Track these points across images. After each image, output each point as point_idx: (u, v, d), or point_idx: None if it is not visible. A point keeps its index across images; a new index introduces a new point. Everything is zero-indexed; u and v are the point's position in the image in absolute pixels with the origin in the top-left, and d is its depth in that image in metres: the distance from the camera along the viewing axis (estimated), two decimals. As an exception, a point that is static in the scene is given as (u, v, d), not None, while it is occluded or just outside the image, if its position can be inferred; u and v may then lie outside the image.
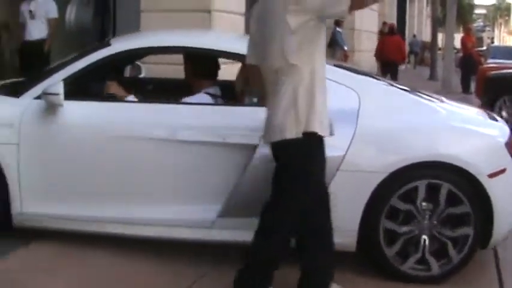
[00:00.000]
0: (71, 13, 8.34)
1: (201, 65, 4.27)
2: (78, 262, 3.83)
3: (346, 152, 3.54)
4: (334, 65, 4.03)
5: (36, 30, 8.21)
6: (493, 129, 3.98)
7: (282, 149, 3.06)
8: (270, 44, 3.01)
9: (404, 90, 4.07)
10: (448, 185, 3.57)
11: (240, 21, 8.38)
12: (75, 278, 3.64)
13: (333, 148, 3.30)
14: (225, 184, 3.69)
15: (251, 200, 3.54)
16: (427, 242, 3.64)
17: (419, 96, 4.03)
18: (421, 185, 3.57)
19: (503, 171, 3.69)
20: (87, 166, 3.90)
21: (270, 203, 3.13)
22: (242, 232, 3.50)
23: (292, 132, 2.96)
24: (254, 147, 3.63)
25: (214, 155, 3.73)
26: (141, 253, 3.96)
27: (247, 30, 3.68)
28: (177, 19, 7.38)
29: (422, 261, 3.68)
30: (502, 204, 3.66)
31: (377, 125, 3.64)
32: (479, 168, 3.61)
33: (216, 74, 4.39)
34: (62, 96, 3.76)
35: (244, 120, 3.76)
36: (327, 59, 3.20)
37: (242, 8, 8.42)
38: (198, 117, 3.88)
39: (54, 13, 8.31)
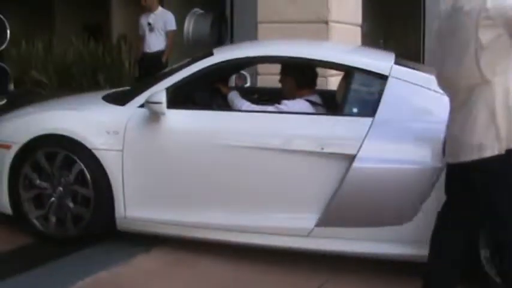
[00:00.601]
0: (189, 25, 8.76)
1: (302, 74, 4.54)
2: (195, 269, 4.09)
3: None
4: None
5: (155, 43, 8.68)
6: None
7: (480, 167, 3.00)
8: (461, 61, 2.98)
9: None
10: None
11: (357, 32, 8.40)
12: (192, 284, 3.91)
13: None
14: (323, 193, 3.90)
15: (347, 210, 3.84)
16: None
17: None
18: None
19: None
20: (189, 173, 4.19)
21: (494, 223, 3.14)
22: (338, 241, 3.88)
23: (493, 149, 2.94)
24: (352, 157, 3.82)
25: (314, 164, 3.92)
26: (252, 261, 4.13)
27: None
28: (293, 30, 7.49)
29: None
30: None
31: None
32: None
33: (315, 83, 4.66)
34: (164, 105, 4.08)
35: (343, 130, 3.98)
36: None
37: (359, 19, 8.43)
38: (301, 126, 4.12)
39: (172, 25, 8.72)
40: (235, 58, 4.52)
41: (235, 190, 4.12)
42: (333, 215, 3.92)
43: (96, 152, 4.20)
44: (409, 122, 3.96)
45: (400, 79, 4.08)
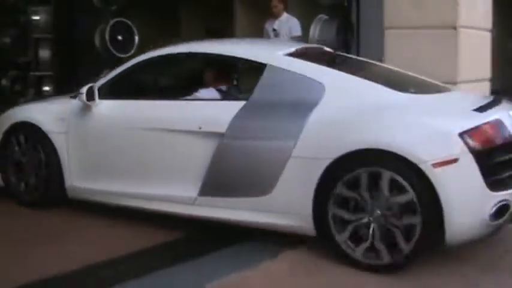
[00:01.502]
0: (314, 31, 9.16)
1: (217, 68, 5.73)
2: (323, 277, 4.35)
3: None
4: None
5: None
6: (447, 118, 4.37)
7: None
8: None
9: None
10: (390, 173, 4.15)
11: (486, 38, 8.45)
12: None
13: None
14: (202, 167, 4.92)
15: (220, 181, 4.88)
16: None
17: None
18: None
19: (454, 161, 4.06)
20: (112, 151, 5.51)
21: None
22: (219, 210, 4.86)
23: None
24: (222, 135, 4.80)
25: (195, 141, 4.96)
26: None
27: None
28: (421, 36, 7.73)
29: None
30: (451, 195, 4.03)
31: None
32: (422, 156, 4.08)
33: (229, 76, 5.66)
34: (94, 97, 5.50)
35: (220, 112, 4.98)
36: None
37: (489, 23, 8.47)
38: (193, 110, 5.21)
39: (297, 31, 9.26)
40: (158, 55, 5.59)
41: (143, 165, 5.31)
42: (209, 186, 4.88)
43: (50, 135, 5.72)
44: (277, 105, 4.76)
45: (277, 67, 4.93)
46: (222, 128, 4.81)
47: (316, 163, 4.40)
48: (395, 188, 4.16)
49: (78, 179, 5.66)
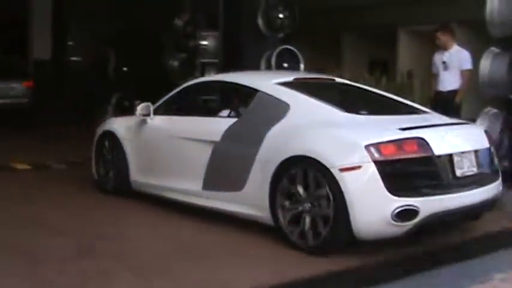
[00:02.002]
0: (485, 65, 9.28)
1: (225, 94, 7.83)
2: None
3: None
4: None
5: (449, 81, 9.27)
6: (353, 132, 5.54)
7: None
8: None
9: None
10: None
11: None
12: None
13: None
14: (204, 167, 6.55)
15: (213, 179, 6.50)
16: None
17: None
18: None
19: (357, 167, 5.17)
20: (158, 153, 7.32)
21: None
22: (216, 201, 6.40)
23: None
24: (215, 143, 6.45)
25: (199, 147, 6.61)
26: None
27: None
28: None
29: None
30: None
31: None
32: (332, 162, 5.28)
33: (231, 100, 7.39)
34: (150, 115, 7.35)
35: (219, 126, 6.62)
36: None
37: None
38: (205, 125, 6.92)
39: (468, 64, 9.26)
40: (195, 83, 7.76)
41: (174, 165, 7.06)
42: (207, 182, 6.47)
43: (121, 141, 7.63)
44: (255, 120, 6.37)
45: (264, 92, 6.45)
46: (217, 138, 6.42)
47: (270, 165, 5.75)
48: (318, 184, 5.39)
49: (138, 175, 7.51)
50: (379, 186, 5.14)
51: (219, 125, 6.56)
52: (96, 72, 20.95)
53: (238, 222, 6.19)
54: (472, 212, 5.94)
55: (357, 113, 6.00)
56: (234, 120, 6.55)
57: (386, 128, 5.55)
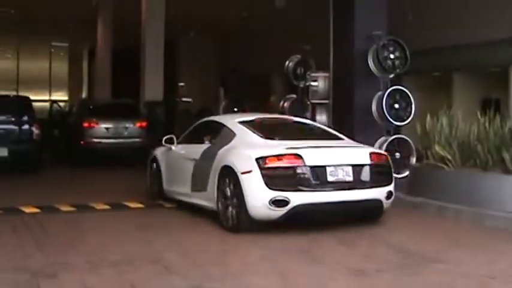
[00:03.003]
0: None
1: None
2: None
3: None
4: None
5: None
6: (255, 148, 8.38)
7: None
8: None
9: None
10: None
11: None
12: None
13: None
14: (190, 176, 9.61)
15: (193, 184, 9.54)
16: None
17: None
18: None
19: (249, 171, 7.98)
20: (176, 169, 10.21)
21: None
22: (199, 200, 9.29)
23: None
24: (196, 160, 9.62)
25: (190, 164, 9.66)
26: None
27: None
28: None
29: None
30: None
31: None
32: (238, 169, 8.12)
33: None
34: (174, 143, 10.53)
35: (202, 150, 9.64)
36: None
37: None
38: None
39: None
40: (204, 121, 10.66)
41: (183, 177, 9.76)
42: (191, 187, 9.46)
43: (159, 161, 10.86)
44: (216, 144, 9.31)
45: (227, 126, 9.51)
46: (197, 157, 9.42)
47: (215, 172, 8.62)
48: (233, 183, 8.18)
49: (166, 185, 10.51)
50: (262, 183, 7.87)
51: (201, 148, 9.47)
52: (206, 112, 21.64)
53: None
54: (345, 207, 8.33)
55: (272, 139, 8.78)
56: (209, 145, 9.45)
57: (278, 148, 8.21)
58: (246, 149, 8.40)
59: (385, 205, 8.62)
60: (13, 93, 32.44)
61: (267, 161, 7.91)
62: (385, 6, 12.30)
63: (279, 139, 8.76)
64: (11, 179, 13.79)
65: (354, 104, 12.03)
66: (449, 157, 10.03)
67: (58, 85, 43.32)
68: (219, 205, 8.45)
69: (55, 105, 23.98)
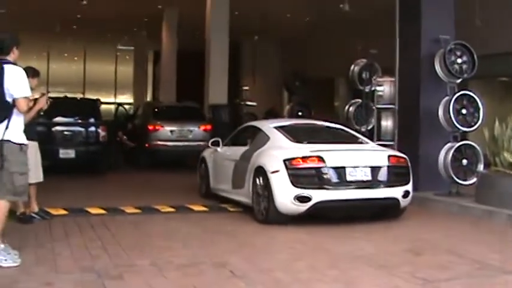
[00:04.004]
0: None
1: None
2: None
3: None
4: None
5: None
6: (283, 151, 9.29)
7: None
8: None
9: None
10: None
11: None
12: None
13: None
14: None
15: (234, 182, 10.50)
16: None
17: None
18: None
19: (277, 171, 8.90)
20: (221, 169, 11.16)
21: None
22: (239, 196, 10.29)
23: None
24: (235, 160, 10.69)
25: (232, 164, 10.58)
26: None
27: None
28: None
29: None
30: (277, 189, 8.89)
31: None
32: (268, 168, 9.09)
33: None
34: (220, 145, 11.54)
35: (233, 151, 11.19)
36: None
37: None
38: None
39: None
40: (245, 126, 11.90)
41: (226, 175, 10.67)
42: (232, 184, 10.43)
43: (207, 161, 11.91)
44: (254, 146, 10.23)
45: (263, 130, 10.44)
46: (237, 158, 10.30)
47: (252, 171, 9.53)
48: (265, 181, 9.07)
49: (213, 183, 11.45)
50: (287, 182, 8.78)
51: (240, 151, 10.38)
52: (271, 115, 21.71)
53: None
54: (363, 204, 9.14)
55: (300, 142, 9.56)
56: (247, 147, 10.30)
57: (304, 150, 9.06)
58: (276, 151, 9.31)
59: (402, 203, 9.32)
60: (80, 95, 33.22)
61: (292, 162, 8.80)
62: (453, 10, 12.14)
63: (307, 142, 9.52)
64: (78, 181, 14.09)
65: (420, 109, 11.89)
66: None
67: (123, 88, 44.09)
68: (254, 200, 9.30)
69: (120, 108, 24.32)
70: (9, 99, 6.46)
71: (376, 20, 20.76)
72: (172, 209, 10.30)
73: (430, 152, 11.46)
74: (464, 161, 11.17)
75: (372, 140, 13.01)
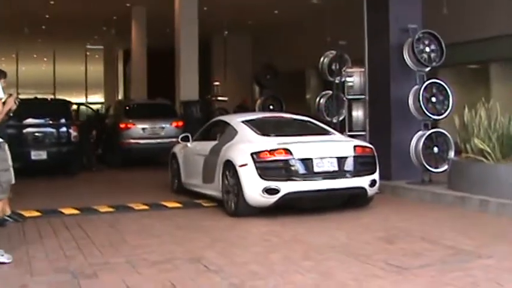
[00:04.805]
0: None
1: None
2: None
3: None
4: None
5: None
6: (251, 144, 9.51)
7: None
8: None
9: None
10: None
11: None
12: None
13: None
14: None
15: (204, 177, 10.67)
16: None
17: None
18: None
19: (245, 164, 9.07)
20: (190, 164, 11.39)
21: None
22: (210, 190, 10.45)
23: None
24: (205, 155, 10.85)
25: (202, 159, 10.86)
26: None
27: None
28: None
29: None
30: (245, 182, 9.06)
31: None
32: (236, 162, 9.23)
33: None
34: (189, 141, 11.71)
35: (212, 146, 10.82)
36: None
37: None
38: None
39: None
40: (214, 121, 11.99)
41: (196, 170, 10.85)
42: (203, 178, 10.57)
43: (178, 157, 12.02)
44: (222, 140, 10.45)
45: (231, 124, 10.54)
46: (207, 152, 10.47)
47: (220, 166, 9.68)
48: (233, 175, 9.25)
49: (184, 178, 11.62)
50: (255, 175, 8.95)
51: (210, 145, 10.54)
52: (243, 110, 21.71)
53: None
54: (331, 194, 9.37)
55: (268, 135, 9.76)
56: (216, 142, 10.44)
57: (271, 143, 9.26)
58: (243, 144, 9.46)
59: (369, 192, 9.57)
60: (50, 96, 32.93)
61: (260, 155, 8.98)
62: (420, -1, 12.21)
63: (274, 135, 9.71)
64: (50, 182, 13.99)
65: (390, 98, 11.97)
66: (489, 150, 9.94)
67: (94, 87, 43.80)
68: (224, 194, 9.49)
69: (82, 107, 23.76)
70: None
71: (344, 11, 20.83)
72: (146, 207, 10.27)
73: (401, 141, 11.51)
74: (436, 149, 11.26)
75: (343, 131, 13.12)
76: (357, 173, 9.36)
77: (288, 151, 9.00)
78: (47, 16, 27.61)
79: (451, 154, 11.25)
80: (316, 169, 9.09)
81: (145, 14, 27.32)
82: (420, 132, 11.32)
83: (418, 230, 8.11)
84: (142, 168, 16.63)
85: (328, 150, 9.37)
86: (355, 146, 9.56)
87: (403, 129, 11.61)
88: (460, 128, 10.77)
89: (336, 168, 9.22)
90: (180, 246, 7.43)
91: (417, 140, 11.19)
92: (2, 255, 6.64)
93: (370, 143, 10.40)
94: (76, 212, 9.85)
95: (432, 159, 11.23)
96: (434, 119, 11.52)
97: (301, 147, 9.20)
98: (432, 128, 11.51)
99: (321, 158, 9.14)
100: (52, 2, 24.57)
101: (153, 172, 15.34)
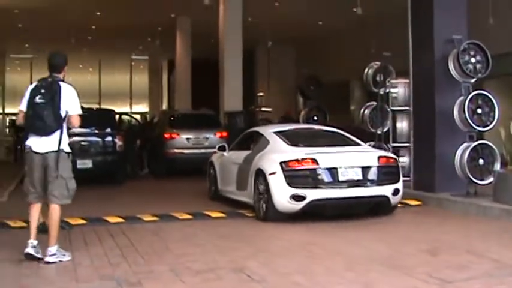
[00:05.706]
0: None
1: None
2: None
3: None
4: None
5: None
6: (281, 154, 10.04)
7: None
8: None
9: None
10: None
11: None
12: None
13: None
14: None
15: (238, 184, 11.32)
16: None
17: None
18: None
19: (275, 173, 9.70)
20: (227, 172, 11.91)
21: None
22: (243, 197, 11.07)
23: None
24: (239, 163, 11.48)
25: (236, 166, 11.52)
26: None
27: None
28: None
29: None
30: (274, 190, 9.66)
31: None
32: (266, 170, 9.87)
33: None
34: (226, 150, 12.48)
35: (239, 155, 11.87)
36: None
37: None
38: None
39: None
40: (248, 132, 12.59)
41: (231, 178, 11.47)
42: (236, 185, 11.23)
43: (214, 164, 12.72)
44: (255, 149, 11.04)
45: (264, 135, 11.32)
46: (241, 161, 11.04)
47: (253, 173, 10.28)
48: (265, 182, 9.82)
49: (220, 185, 12.21)
50: (284, 182, 9.53)
51: (244, 154, 11.18)
52: (286, 120, 21.76)
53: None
54: (355, 202, 9.80)
55: (297, 145, 10.39)
56: (250, 151, 11.08)
57: (299, 153, 9.85)
58: (274, 154, 10.07)
59: (392, 200, 10.00)
60: (96, 106, 33.43)
61: (289, 164, 9.60)
62: (465, 9, 12.12)
63: (303, 146, 10.38)
64: (95, 190, 14.20)
65: (435, 109, 11.89)
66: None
67: (139, 97, 44.31)
68: (255, 200, 10.08)
69: (125, 116, 23.79)
70: (63, 114, 7.17)
71: (388, 22, 20.77)
72: (189, 216, 10.37)
73: (446, 152, 11.43)
74: (481, 161, 11.15)
75: (387, 142, 13.09)
76: (380, 182, 9.82)
77: (314, 161, 9.57)
78: (93, 27, 28.08)
79: (497, 166, 11.13)
80: (341, 178, 9.59)
81: (190, 24, 27.62)
82: (465, 144, 11.22)
83: (463, 243, 8.05)
84: (187, 178, 16.78)
85: (353, 160, 9.86)
86: (379, 157, 10.06)
87: (448, 141, 11.53)
88: (506, 140, 10.67)
89: (360, 177, 9.70)
90: (223, 255, 7.49)
91: (462, 152, 11.10)
92: (64, 255, 7.14)
93: (415, 154, 10.38)
94: (120, 220, 10.00)
95: (477, 171, 11.12)
96: (479, 131, 11.42)
97: (327, 157, 9.75)
98: (478, 139, 11.39)
99: (346, 167, 9.64)
100: (98, 13, 25.00)
101: (196, 181, 15.44)
